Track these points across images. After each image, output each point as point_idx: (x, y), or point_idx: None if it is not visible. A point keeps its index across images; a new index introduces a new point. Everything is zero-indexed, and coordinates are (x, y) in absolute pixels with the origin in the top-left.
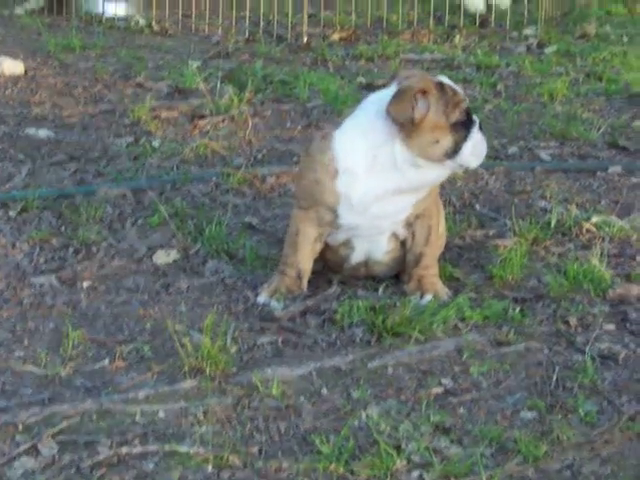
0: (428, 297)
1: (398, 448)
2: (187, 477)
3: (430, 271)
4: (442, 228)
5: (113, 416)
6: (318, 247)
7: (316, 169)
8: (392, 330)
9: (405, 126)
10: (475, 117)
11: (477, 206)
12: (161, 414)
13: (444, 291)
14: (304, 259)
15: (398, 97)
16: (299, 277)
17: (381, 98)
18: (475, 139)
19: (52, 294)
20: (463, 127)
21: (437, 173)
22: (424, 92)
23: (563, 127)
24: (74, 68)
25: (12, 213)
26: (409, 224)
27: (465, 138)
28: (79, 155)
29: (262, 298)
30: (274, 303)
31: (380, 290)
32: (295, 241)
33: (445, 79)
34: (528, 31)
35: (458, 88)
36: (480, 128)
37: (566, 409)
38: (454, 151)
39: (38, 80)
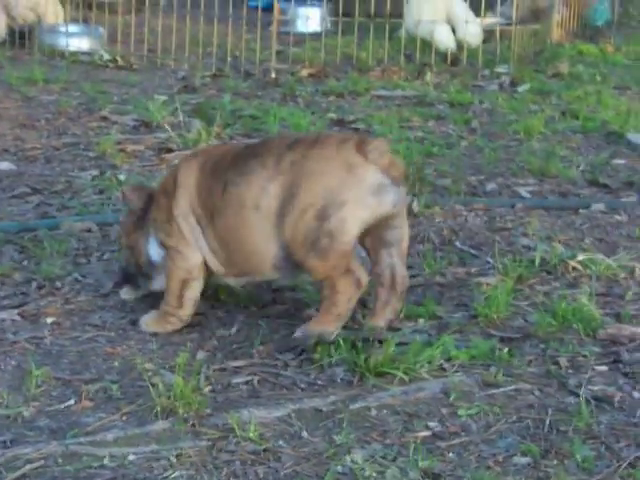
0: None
1: None
2: None
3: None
4: None
5: (80, 459)
6: None
7: None
8: (375, 370)
9: None
10: None
11: (457, 243)
12: (131, 457)
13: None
14: None
15: None
16: None
17: None
18: None
19: (14, 330)
20: None
21: None
22: None
23: (542, 164)
24: (37, 101)
25: None
26: None
27: None
28: (42, 188)
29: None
30: None
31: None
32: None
33: None
34: (500, 69)
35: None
36: None
37: (562, 454)
38: None
39: None
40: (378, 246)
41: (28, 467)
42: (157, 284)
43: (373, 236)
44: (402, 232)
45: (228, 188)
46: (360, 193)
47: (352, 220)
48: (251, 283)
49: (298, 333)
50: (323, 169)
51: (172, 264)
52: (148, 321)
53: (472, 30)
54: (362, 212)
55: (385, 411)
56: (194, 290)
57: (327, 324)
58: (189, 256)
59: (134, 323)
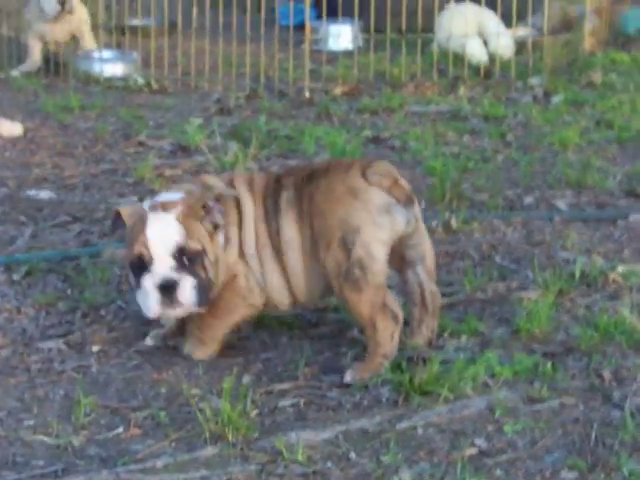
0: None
1: None
2: None
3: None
4: None
5: None
6: None
7: None
8: (420, 389)
9: None
10: (156, 270)
11: (497, 258)
12: None
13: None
14: None
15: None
16: None
17: None
18: (144, 290)
19: (61, 359)
20: (138, 270)
21: None
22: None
23: (578, 176)
24: (74, 128)
25: (16, 277)
26: None
27: (139, 283)
28: (83, 216)
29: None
30: None
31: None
32: None
33: (155, 216)
34: (533, 81)
35: (154, 233)
36: (162, 287)
37: (609, 468)
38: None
39: (37, 141)
40: (403, 266)
41: None
42: None
43: (395, 257)
44: (423, 249)
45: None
46: (371, 215)
47: (375, 243)
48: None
49: (348, 378)
50: (331, 199)
51: (240, 302)
52: (190, 349)
53: (504, 42)
54: (380, 233)
55: (431, 430)
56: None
57: (375, 368)
58: (259, 295)
59: (175, 349)
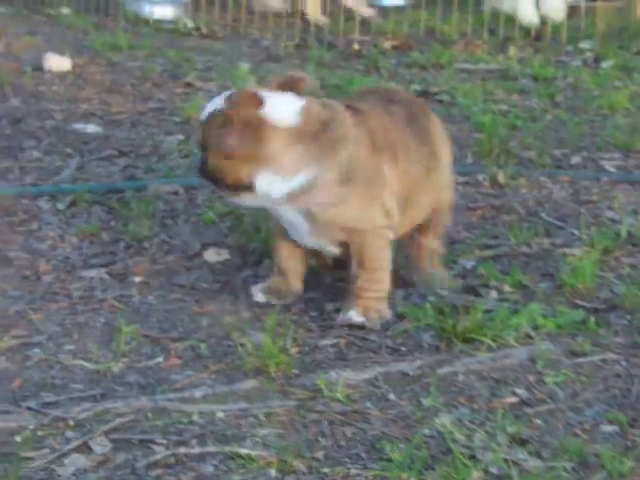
0: (351, 313)
1: (473, 458)
2: None
3: (367, 294)
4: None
5: (169, 415)
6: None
7: None
8: (462, 336)
9: None
10: None
11: (543, 214)
12: (220, 414)
13: (377, 315)
14: (281, 255)
15: None
16: (282, 275)
17: None
18: None
19: (102, 288)
20: None
21: None
22: None
23: (626, 139)
24: (122, 67)
25: (61, 206)
26: (341, 245)
27: None
28: (129, 151)
29: (259, 297)
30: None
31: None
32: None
33: None
34: (584, 45)
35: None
36: None
37: None
38: None
39: (85, 77)
40: None
41: (118, 421)
42: None
43: None
44: None
45: None
46: None
47: None
48: None
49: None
50: None
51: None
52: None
53: (556, 5)
54: None
55: (472, 377)
56: None
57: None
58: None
59: (222, 284)
